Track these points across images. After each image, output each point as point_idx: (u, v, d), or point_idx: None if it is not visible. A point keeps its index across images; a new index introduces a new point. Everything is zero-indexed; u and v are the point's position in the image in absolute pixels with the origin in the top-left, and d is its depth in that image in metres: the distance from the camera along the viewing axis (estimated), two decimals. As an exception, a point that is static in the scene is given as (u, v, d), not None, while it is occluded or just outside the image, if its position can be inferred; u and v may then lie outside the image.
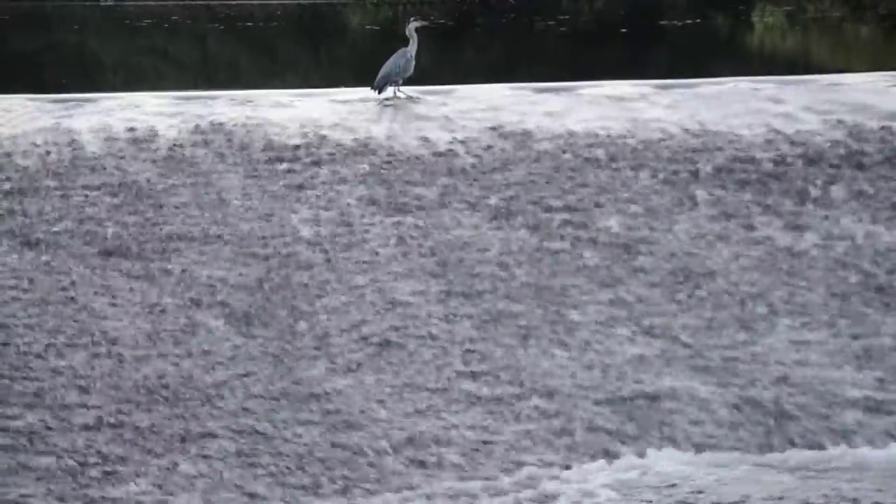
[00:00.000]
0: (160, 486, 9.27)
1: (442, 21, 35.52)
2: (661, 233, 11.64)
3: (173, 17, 39.30)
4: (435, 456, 9.74)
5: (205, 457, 9.54)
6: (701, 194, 12.01)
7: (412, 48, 12.93)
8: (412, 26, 13.07)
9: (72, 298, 10.54)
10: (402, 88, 13.08)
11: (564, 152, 12.26)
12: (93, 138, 11.96)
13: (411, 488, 9.41)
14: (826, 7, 37.33)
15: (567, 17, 37.99)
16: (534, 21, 37.39)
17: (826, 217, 11.92)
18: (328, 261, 11.10)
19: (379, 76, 12.98)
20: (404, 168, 11.95)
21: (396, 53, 12.96)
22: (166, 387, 9.99)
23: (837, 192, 12.14)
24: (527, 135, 12.44)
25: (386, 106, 12.99)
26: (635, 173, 12.12)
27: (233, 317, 10.57)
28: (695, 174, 12.17)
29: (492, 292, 11.02)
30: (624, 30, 34.80)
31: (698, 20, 35.96)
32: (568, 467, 9.69)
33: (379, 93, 13.02)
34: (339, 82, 16.08)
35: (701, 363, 10.65)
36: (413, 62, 12.94)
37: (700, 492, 9.29)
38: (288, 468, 9.54)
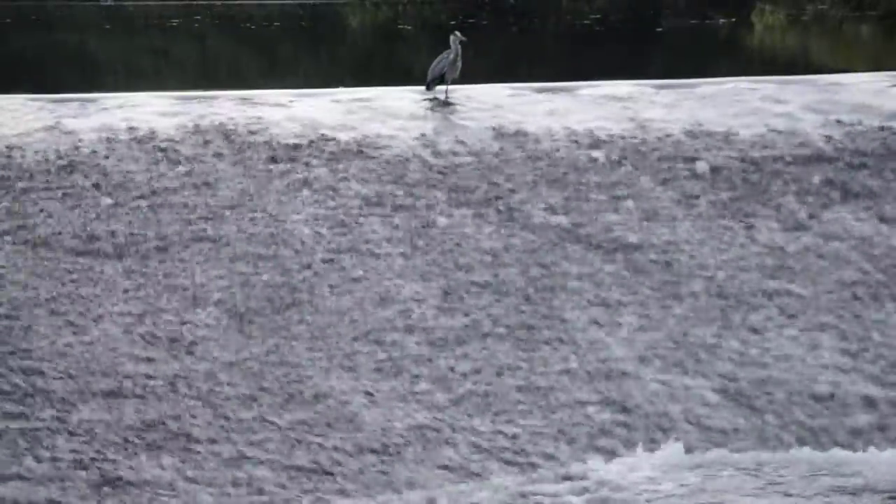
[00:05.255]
0: (159, 486, 9.27)
1: (485, 23, 35.59)
2: (660, 232, 11.64)
3: (196, 17, 39.31)
4: (434, 455, 9.74)
5: (204, 457, 9.54)
6: (700, 194, 12.01)
7: (449, 54, 13.04)
8: (453, 38, 13.15)
9: (71, 298, 10.54)
10: (444, 88, 13.22)
11: (564, 152, 12.26)
12: (93, 138, 11.96)
13: (410, 488, 9.42)
14: (826, 7, 37.34)
15: (573, 18, 38.01)
16: (533, 21, 37.40)
17: (826, 217, 11.92)
18: (328, 261, 11.10)
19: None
20: (404, 167, 11.96)
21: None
22: (166, 387, 9.99)
23: (837, 191, 12.14)
24: (527, 135, 12.44)
25: (389, 106, 13.02)
26: (635, 173, 12.12)
27: (232, 317, 10.57)
28: (694, 174, 12.17)
29: (491, 292, 11.02)
30: (659, 28, 34.83)
31: (698, 21, 35.96)
32: (567, 466, 9.69)
33: (427, 90, 13.33)
34: (338, 82, 16.08)
35: (701, 363, 10.65)
36: (443, 65, 13.11)
37: (698, 492, 9.29)
38: (286, 468, 9.54)
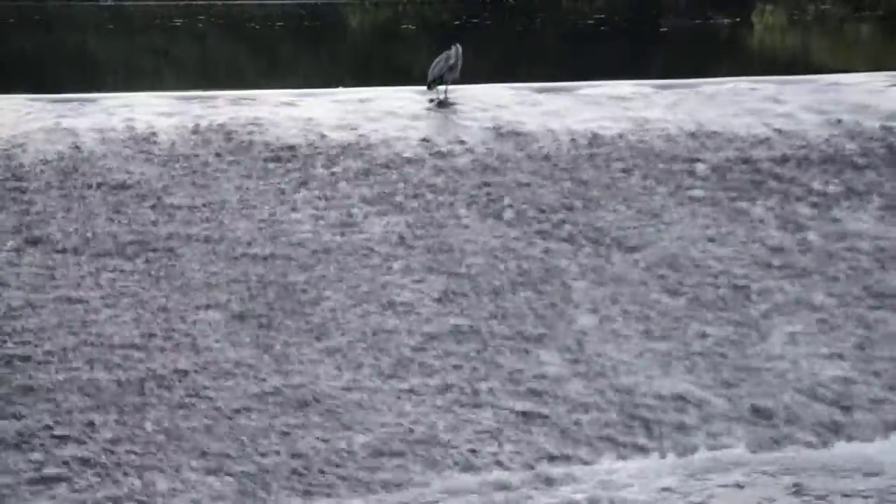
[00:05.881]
0: (161, 485, 9.27)
1: (489, 23, 35.62)
2: (660, 232, 11.64)
3: (200, 17, 39.35)
4: (433, 455, 9.74)
5: (205, 456, 9.54)
6: (700, 194, 12.02)
7: (448, 58, 13.03)
8: (455, 46, 13.17)
9: (72, 298, 10.54)
10: (444, 88, 13.17)
11: (564, 152, 12.26)
12: (93, 138, 11.96)
13: (409, 488, 9.42)
14: (827, 7, 37.37)
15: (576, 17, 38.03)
16: (530, 20, 37.42)
17: (826, 217, 11.93)
18: (328, 261, 11.10)
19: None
20: (404, 167, 11.96)
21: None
22: (166, 387, 9.99)
23: (837, 192, 12.14)
24: (527, 135, 12.44)
25: (389, 106, 13.02)
26: (634, 173, 12.13)
27: (232, 317, 10.57)
28: (694, 174, 12.18)
29: (491, 291, 11.02)
30: (664, 29, 34.83)
31: (698, 21, 35.97)
32: (567, 467, 9.69)
33: (428, 89, 13.30)
34: (338, 82, 16.10)
35: (700, 363, 10.65)
36: (441, 66, 13.09)
37: (697, 492, 9.29)
38: (287, 468, 9.54)
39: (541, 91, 13.68)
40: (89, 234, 11.07)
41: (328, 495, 9.37)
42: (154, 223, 11.22)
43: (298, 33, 36.25)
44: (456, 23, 31.97)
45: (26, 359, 10.05)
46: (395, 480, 9.49)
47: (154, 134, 12.07)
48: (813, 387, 10.54)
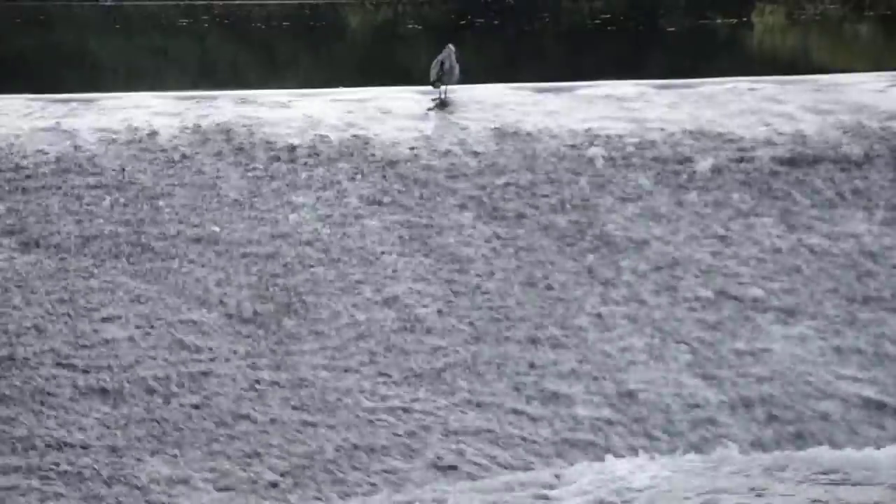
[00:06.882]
0: (161, 486, 9.27)
1: (496, 22, 35.56)
2: (660, 233, 11.64)
3: (204, 17, 39.34)
4: (433, 455, 9.73)
5: (204, 456, 9.54)
6: (700, 194, 12.01)
7: (442, 62, 12.94)
8: (448, 49, 13.09)
9: (72, 299, 10.54)
10: (444, 88, 13.06)
11: (564, 152, 12.25)
12: (93, 138, 11.95)
13: (406, 487, 9.42)
14: (827, 6, 37.35)
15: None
16: (533, 20, 37.42)
17: (826, 217, 11.92)
18: (328, 261, 11.10)
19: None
20: (404, 167, 11.95)
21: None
22: (166, 387, 9.98)
23: (837, 192, 12.13)
24: (527, 135, 12.44)
25: (389, 106, 13.02)
26: (635, 173, 12.12)
27: (232, 317, 10.56)
28: (694, 174, 12.17)
29: (491, 292, 11.02)
30: (671, 28, 34.76)
31: (698, 21, 35.97)
32: (565, 467, 9.69)
33: (433, 87, 13.19)
34: (338, 82, 16.10)
35: (700, 363, 10.65)
36: (437, 70, 12.95)
37: (697, 492, 9.29)
38: (288, 468, 9.54)
39: (541, 91, 13.66)
40: (89, 235, 11.07)
41: (328, 495, 9.37)
42: (154, 223, 11.22)
43: (299, 33, 36.23)
44: (462, 22, 31.89)
45: (25, 360, 10.05)
46: (392, 481, 9.49)
47: (154, 134, 12.07)
48: (812, 389, 10.53)
